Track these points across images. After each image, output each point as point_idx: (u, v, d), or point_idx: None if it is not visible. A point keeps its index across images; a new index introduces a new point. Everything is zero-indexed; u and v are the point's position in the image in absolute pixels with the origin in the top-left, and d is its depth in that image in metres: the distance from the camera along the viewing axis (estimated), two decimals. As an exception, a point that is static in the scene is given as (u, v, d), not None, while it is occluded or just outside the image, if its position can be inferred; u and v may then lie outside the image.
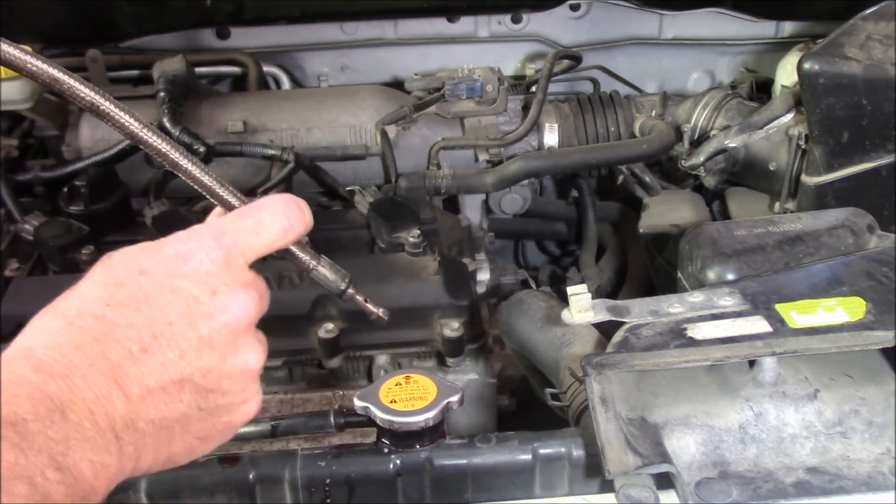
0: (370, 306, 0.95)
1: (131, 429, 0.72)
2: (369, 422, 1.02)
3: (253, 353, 0.80)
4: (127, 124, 0.80)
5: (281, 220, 0.82)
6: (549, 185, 2.22)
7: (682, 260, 1.23)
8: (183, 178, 0.83)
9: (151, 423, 0.74)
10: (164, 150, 0.81)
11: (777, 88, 1.82)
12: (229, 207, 0.84)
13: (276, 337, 1.40)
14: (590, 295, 1.04)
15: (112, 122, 0.79)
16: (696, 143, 1.79)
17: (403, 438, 1.01)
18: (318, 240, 1.53)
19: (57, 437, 0.65)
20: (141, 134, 0.80)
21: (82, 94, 0.78)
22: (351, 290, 0.92)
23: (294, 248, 0.87)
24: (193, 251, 0.78)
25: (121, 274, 0.76)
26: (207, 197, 0.84)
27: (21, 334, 0.73)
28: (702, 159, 1.70)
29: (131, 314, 0.74)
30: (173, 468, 1.01)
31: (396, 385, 1.03)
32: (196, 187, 0.84)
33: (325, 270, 0.90)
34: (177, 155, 0.82)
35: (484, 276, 1.66)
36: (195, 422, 0.78)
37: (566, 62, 2.03)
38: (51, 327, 0.73)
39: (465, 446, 1.02)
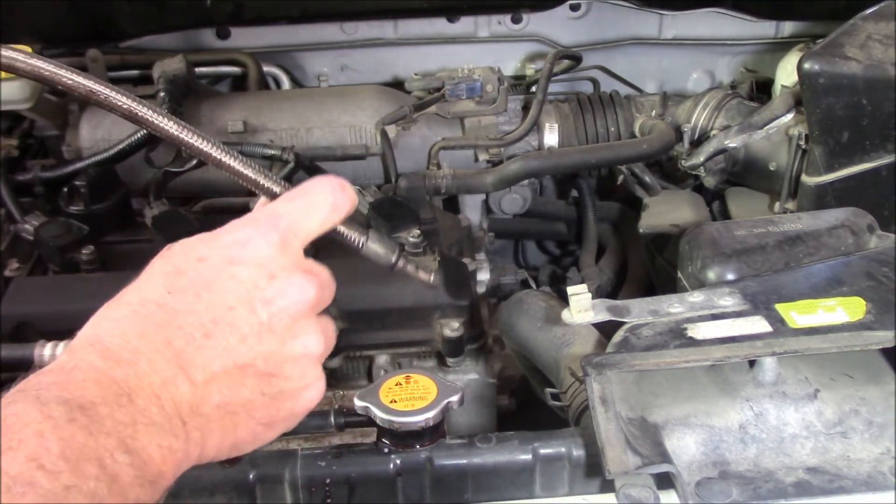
0: (422, 274, 0.95)
1: (197, 414, 0.73)
2: (369, 422, 1.02)
3: (313, 338, 0.81)
4: (166, 128, 0.82)
5: (328, 198, 0.83)
6: (549, 185, 2.22)
7: (682, 260, 1.23)
8: (228, 173, 0.84)
9: (216, 409, 0.75)
10: (205, 149, 0.83)
11: (777, 88, 1.82)
12: (273, 196, 0.85)
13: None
14: (590, 295, 1.04)
15: (152, 127, 0.82)
16: (696, 143, 1.79)
17: (403, 438, 1.01)
18: (318, 240, 1.55)
19: (125, 420, 0.67)
20: (181, 136, 0.82)
21: (119, 103, 0.80)
22: (402, 262, 0.93)
23: (343, 227, 0.88)
24: (251, 237, 0.79)
25: (180, 262, 0.78)
26: (252, 188, 0.86)
27: (87, 324, 0.74)
28: (702, 159, 1.70)
29: (192, 301, 0.75)
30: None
31: (396, 385, 1.03)
32: (241, 181, 0.85)
33: (375, 245, 0.91)
34: (219, 152, 0.83)
35: (484, 276, 1.66)
36: (259, 407, 0.78)
37: (566, 62, 2.03)
38: (115, 316, 0.74)
39: (465, 446, 1.02)
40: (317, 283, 0.81)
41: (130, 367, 0.70)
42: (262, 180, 0.85)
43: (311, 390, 0.82)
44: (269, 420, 0.80)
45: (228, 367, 0.75)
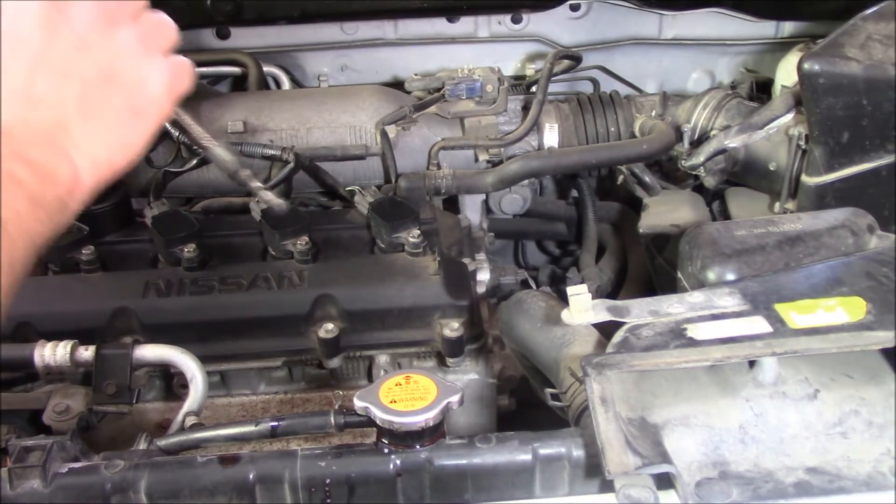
0: (267, 195, 1.01)
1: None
2: (369, 422, 1.02)
3: (126, 30, 0.86)
4: None
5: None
6: (549, 185, 2.22)
7: (682, 260, 1.23)
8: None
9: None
10: None
11: (777, 88, 1.82)
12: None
13: (276, 337, 1.44)
14: (590, 295, 1.04)
15: None
16: (696, 143, 1.79)
17: (403, 438, 1.01)
18: (318, 240, 1.55)
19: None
20: None
21: None
22: (245, 174, 1.00)
23: (192, 122, 0.94)
24: None
25: None
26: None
27: None
28: (702, 159, 1.70)
29: None
30: (173, 467, 1.02)
31: (396, 385, 1.02)
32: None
33: (221, 151, 0.97)
34: None
35: (484, 276, 1.66)
36: (97, 101, 0.84)
37: (566, 62, 2.03)
38: None
39: (465, 446, 1.02)
40: None
41: None
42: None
43: (150, 84, 0.88)
44: (123, 111, 0.86)
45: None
